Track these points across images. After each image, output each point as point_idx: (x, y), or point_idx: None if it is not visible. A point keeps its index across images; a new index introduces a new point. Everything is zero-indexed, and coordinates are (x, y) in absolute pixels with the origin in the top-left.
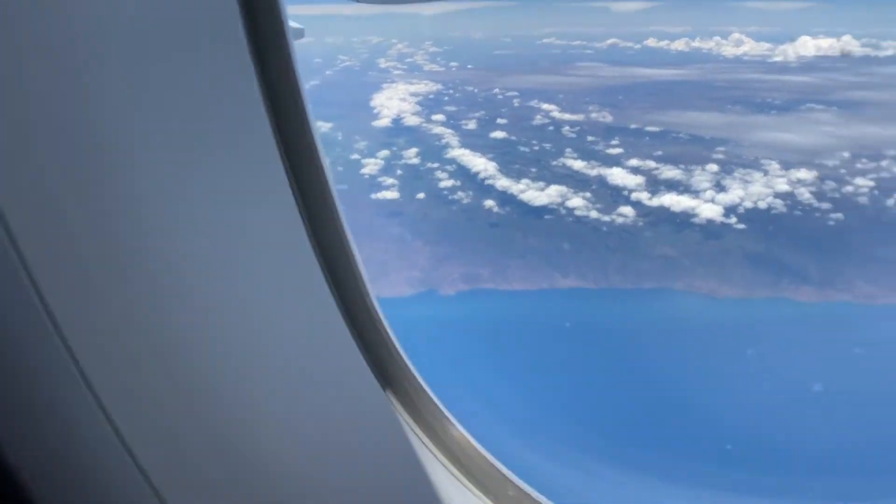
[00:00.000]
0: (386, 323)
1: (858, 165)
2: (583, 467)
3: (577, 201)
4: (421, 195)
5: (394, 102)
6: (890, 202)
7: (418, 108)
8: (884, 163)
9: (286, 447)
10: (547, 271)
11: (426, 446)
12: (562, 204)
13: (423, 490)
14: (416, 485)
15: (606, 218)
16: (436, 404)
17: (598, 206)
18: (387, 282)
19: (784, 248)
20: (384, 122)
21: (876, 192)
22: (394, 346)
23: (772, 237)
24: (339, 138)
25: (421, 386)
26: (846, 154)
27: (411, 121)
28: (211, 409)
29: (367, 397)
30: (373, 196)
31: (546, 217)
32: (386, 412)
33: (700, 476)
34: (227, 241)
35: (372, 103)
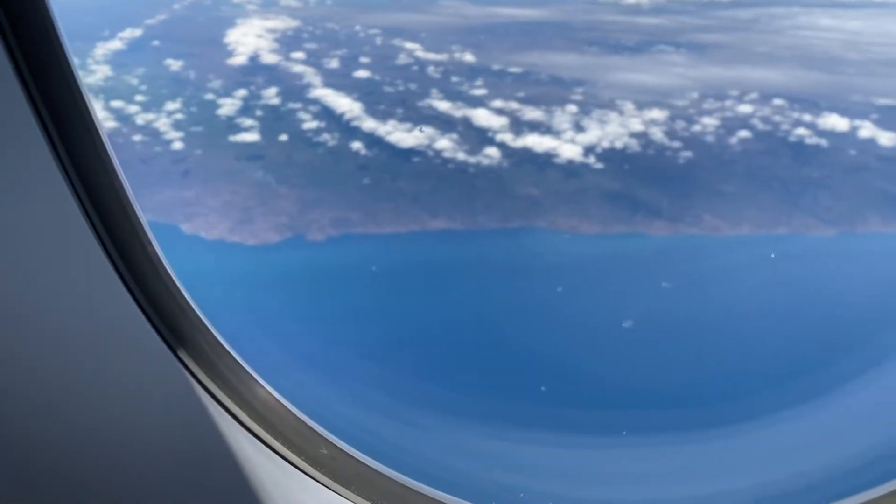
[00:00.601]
0: (177, 282)
1: (705, 105)
2: (406, 418)
3: (444, 143)
4: (283, 137)
5: (249, 39)
6: (733, 140)
7: (276, 45)
8: (727, 103)
9: (69, 417)
10: (417, 214)
11: (226, 408)
12: (429, 145)
13: (222, 453)
14: (214, 448)
15: (473, 159)
16: (238, 364)
17: (465, 147)
18: (251, 228)
19: (638, 185)
20: (240, 59)
21: (721, 130)
22: (188, 306)
23: (627, 175)
24: (192, 77)
25: (220, 345)
26: (695, 94)
27: (269, 59)
28: None
29: (153, 361)
30: (231, 138)
31: (414, 159)
32: (176, 375)
33: (521, 415)
34: None
35: (225, 40)
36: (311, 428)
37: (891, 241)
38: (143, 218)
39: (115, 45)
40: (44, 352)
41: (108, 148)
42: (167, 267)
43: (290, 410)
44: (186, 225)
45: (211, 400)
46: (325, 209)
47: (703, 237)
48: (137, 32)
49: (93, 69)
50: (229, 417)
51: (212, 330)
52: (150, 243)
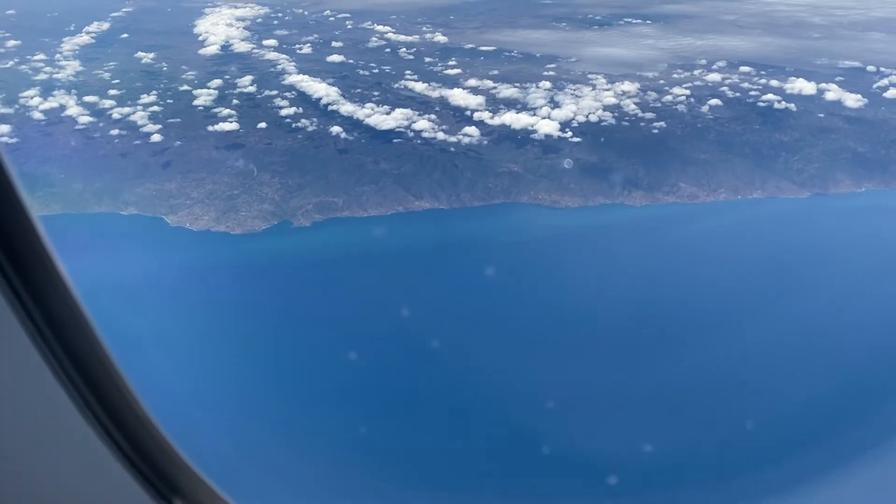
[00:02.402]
0: (166, 435)
1: (675, 75)
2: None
3: (423, 123)
4: (262, 125)
5: (220, 28)
6: (704, 108)
7: (247, 33)
8: (696, 72)
9: None
10: (400, 195)
11: None
12: (408, 127)
13: None
14: None
15: (453, 139)
16: None
17: (443, 127)
18: (237, 217)
19: (616, 157)
20: (212, 49)
21: (692, 99)
22: (178, 459)
23: (604, 148)
24: (165, 69)
25: (214, 492)
26: (664, 65)
27: (241, 47)
28: None
29: None
30: (209, 128)
31: (395, 140)
32: None
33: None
34: None
35: (196, 30)
36: None
37: (862, 200)
38: (130, 381)
39: (83, 39)
40: None
41: (85, 313)
42: (157, 425)
43: None
44: (171, 217)
45: None
46: (308, 195)
47: (682, 205)
48: (105, 26)
49: (62, 65)
50: None
51: (202, 477)
52: (139, 405)
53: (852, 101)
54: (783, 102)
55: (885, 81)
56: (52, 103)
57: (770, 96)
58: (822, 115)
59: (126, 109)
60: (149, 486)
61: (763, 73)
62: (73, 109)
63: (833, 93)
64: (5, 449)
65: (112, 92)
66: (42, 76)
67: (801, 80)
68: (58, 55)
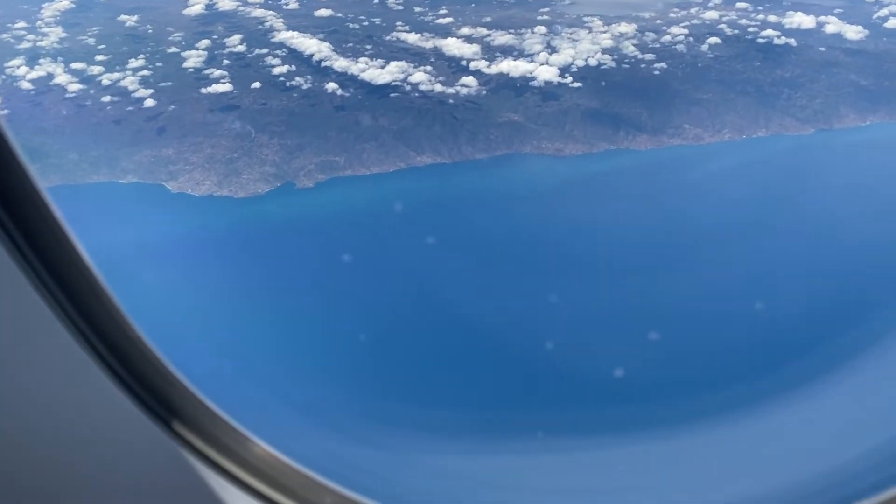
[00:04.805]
0: (159, 354)
1: (672, 15)
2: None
3: (419, 76)
4: (256, 85)
5: None
6: (704, 47)
7: None
8: (693, 10)
9: None
10: (401, 150)
11: (229, 472)
12: (405, 80)
13: None
14: None
15: (451, 90)
16: (232, 427)
17: (440, 78)
18: (239, 181)
19: (618, 101)
20: (196, 9)
21: (690, 38)
22: (174, 379)
23: (605, 92)
24: (150, 32)
25: (212, 411)
26: (660, 4)
27: (226, 5)
28: None
29: (149, 439)
30: (202, 91)
31: (392, 95)
32: (169, 450)
33: None
34: None
35: None
36: (312, 479)
37: (868, 134)
38: (119, 303)
39: (63, 4)
40: (42, 459)
41: (71, 237)
42: (150, 345)
43: (288, 464)
44: (172, 183)
45: (212, 468)
46: (309, 155)
47: (687, 147)
48: None
49: (44, 32)
50: (233, 481)
51: (201, 398)
52: (130, 327)
53: (853, 33)
54: (783, 38)
55: (884, 11)
56: (39, 72)
57: (769, 32)
58: (822, 49)
59: (115, 75)
60: (146, 409)
61: (760, 8)
62: (61, 77)
63: (833, 25)
64: (4, 381)
65: (99, 57)
66: (25, 44)
67: (799, 13)
68: (39, 22)
